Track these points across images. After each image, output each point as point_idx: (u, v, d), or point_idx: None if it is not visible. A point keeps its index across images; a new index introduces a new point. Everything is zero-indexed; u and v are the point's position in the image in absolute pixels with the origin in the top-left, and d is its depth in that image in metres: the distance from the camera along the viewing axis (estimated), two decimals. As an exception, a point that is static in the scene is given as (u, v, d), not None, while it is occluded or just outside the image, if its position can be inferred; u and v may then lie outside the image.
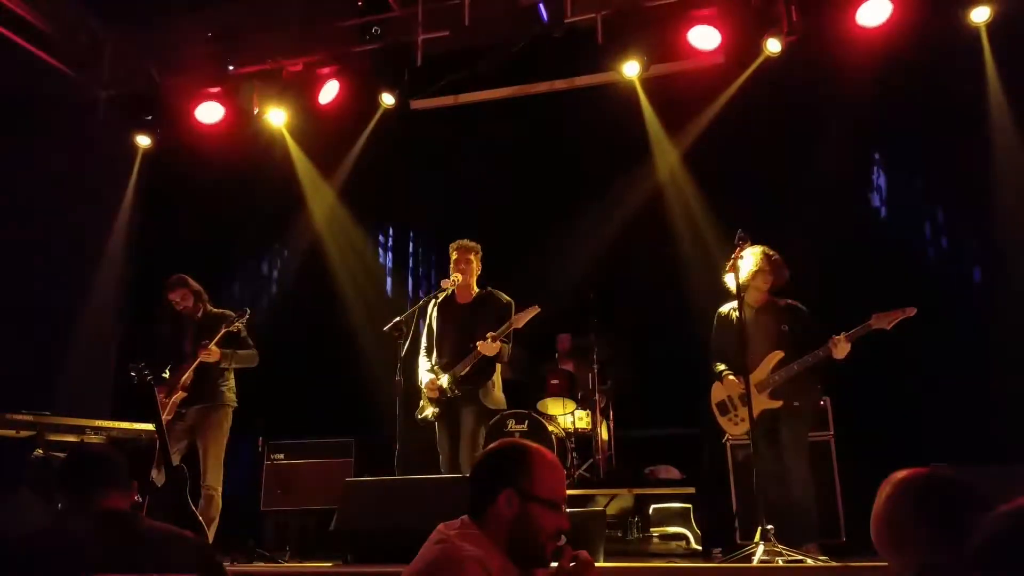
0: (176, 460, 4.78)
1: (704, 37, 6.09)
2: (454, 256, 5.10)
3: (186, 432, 5.00)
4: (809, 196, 6.20)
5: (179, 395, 4.90)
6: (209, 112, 7.05)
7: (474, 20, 6.34)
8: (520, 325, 4.90)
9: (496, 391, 5.05)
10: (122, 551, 2.02)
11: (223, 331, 4.86)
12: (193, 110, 7.03)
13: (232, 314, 5.10)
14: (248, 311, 4.96)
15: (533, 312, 4.89)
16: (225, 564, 4.54)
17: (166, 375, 4.82)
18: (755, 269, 4.48)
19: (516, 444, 2.12)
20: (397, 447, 4.76)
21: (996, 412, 5.18)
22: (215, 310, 5.22)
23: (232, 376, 5.18)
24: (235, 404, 5.14)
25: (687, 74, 6.51)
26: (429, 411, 4.99)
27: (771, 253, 4.54)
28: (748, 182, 6.38)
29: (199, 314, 5.14)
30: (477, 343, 4.82)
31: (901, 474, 1.62)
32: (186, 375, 4.87)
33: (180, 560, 2.10)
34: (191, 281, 5.17)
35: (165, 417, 4.96)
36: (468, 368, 4.89)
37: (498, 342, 4.80)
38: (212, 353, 4.85)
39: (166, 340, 5.18)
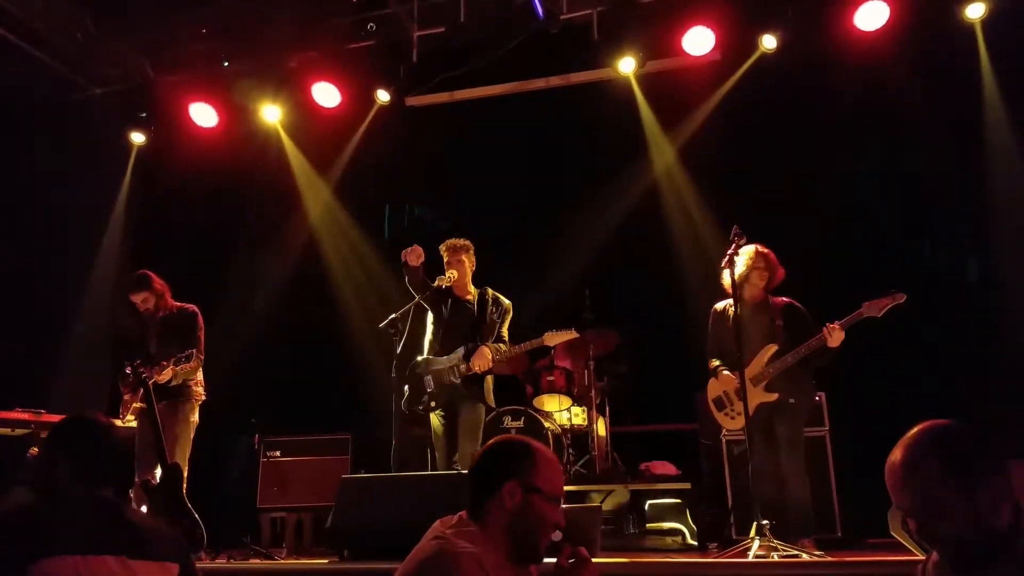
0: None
1: (700, 33, 6.10)
2: (445, 256, 5.09)
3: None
4: (805, 192, 6.21)
5: (140, 407, 4.82)
6: (204, 109, 7.05)
7: (469, 16, 6.32)
8: (552, 344, 4.87)
9: (491, 391, 5.04)
10: (108, 535, 2.05)
11: (172, 362, 4.68)
12: (188, 107, 7.02)
13: (195, 310, 5.05)
14: (193, 354, 4.71)
15: (569, 336, 4.87)
16: (222, 562, 4.59)
17: (129, 372, 4.71)
18: (748, 266, 4.50)
19: (518, 439, 2.17)
20: (393, 444, 4.77)
21: (994, 408, 5.20)
22: (176, 306, 5.07)
23: (200, 371, 5.07)
24: (203, 398, 5.06)
25: (683, 70, 6.51)
26: (425, 401, 4.93)
27: (764, 251, 4.56)
28: (744, 178, 6.38)
29: (160, 314, 5.02)
30: (473, 361, 4.80)
31: (926, 423, 1.82)
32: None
33: (162, 550, 2.13)
34: (155, 281, 5.02)
35: (128, 417, 4.94)
36: (467, 368, 4.88)
37: (490, 360, 4.80)
38: (164, 377, 4.75)
39: (131, 339, 5.10)
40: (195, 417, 5.00)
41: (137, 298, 4.97)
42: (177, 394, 4.94)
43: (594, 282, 6.36)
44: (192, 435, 4.97)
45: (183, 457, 4.87)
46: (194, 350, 4.75)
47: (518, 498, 2.00)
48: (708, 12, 6.06)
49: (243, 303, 7.30)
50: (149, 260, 7.48)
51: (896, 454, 1.80)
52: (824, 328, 4.26)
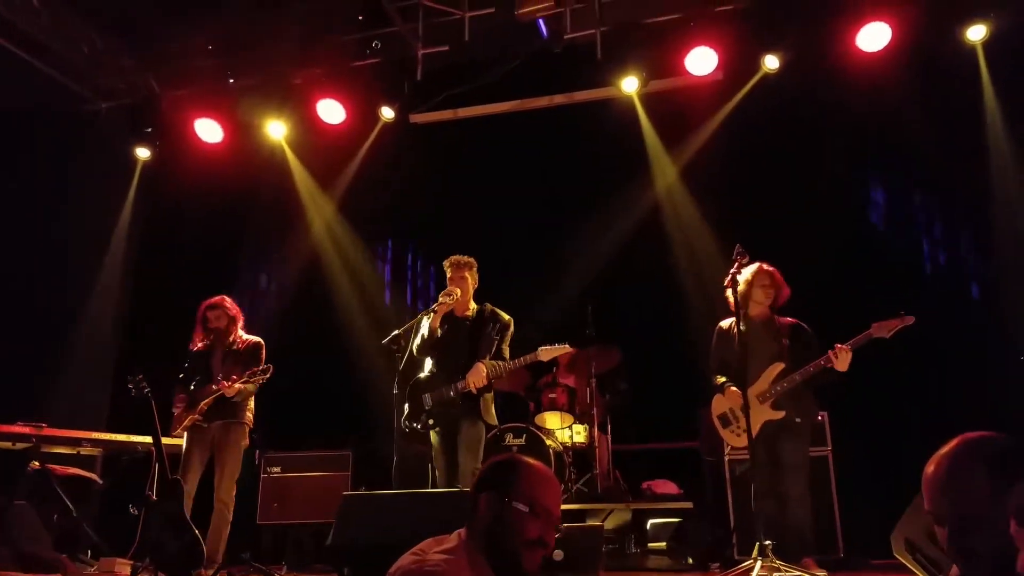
0: (198, 474, 4.95)
1: (703, 53, 6.13)
2: (449, 273, 5.08)
3: (207, 447, 5.06)
4: (807, 211, 6.22)
5: (194, 418, 5.02)
6: (209, 125, 7.09)
7: (474, 35, 6.37)
8: (546, 359, 4.85)
9: (492, 409, 5.01)
10: None
11: (246, 377, 5.00)
12: (193, 122, 7.06)
13: (261, 342, 5.32)
14: (271, 369, 5.05)
15: (563, 351, 4.86)
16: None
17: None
18: (752, 283, 4.50)
19: (509, 456, 2.19)
20: (395, 460, 4.75)
21: (999, 429, 5.18)
22: (245, 337, 5.35)
23: (252, 396, 5.28)
24: (252, 424, 5.23)
25: (686, 90, 6.55)
26: (422, 419, 4.91)
27: (769, 268, 4.56)
28: (746, 197, 6.40)
29: (230, 338, 5.28)
30: (469, 380, 4.78)
31: (970, 433, 1.76)
32: (206, 400, 5.00)
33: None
34: (229, 305, 5.34)
35: (178, 432, 5.06)
36: (463, 385, 4.86)
37: (484, 377, 4.78)
38: (232, 390, 5.00)
39: (196, 355, 5.30)
40: (246, 441, 5.15)
41: (212, 314, 5.28)
42: (234, 414, 5.08)
43: (597, 298, 6.36)
44: (241, 458, 5.11)
45: (232, 479, 5.02)
46: (271, 366, 5.04)
47: (493, 507, 2.03)
48: (711, 32, 6.10)
49: (246, 318, 7.29)
50: (153, 274, 7.54)
51: (939, 461, 1.75)
52: (831, 350, 4.24)
